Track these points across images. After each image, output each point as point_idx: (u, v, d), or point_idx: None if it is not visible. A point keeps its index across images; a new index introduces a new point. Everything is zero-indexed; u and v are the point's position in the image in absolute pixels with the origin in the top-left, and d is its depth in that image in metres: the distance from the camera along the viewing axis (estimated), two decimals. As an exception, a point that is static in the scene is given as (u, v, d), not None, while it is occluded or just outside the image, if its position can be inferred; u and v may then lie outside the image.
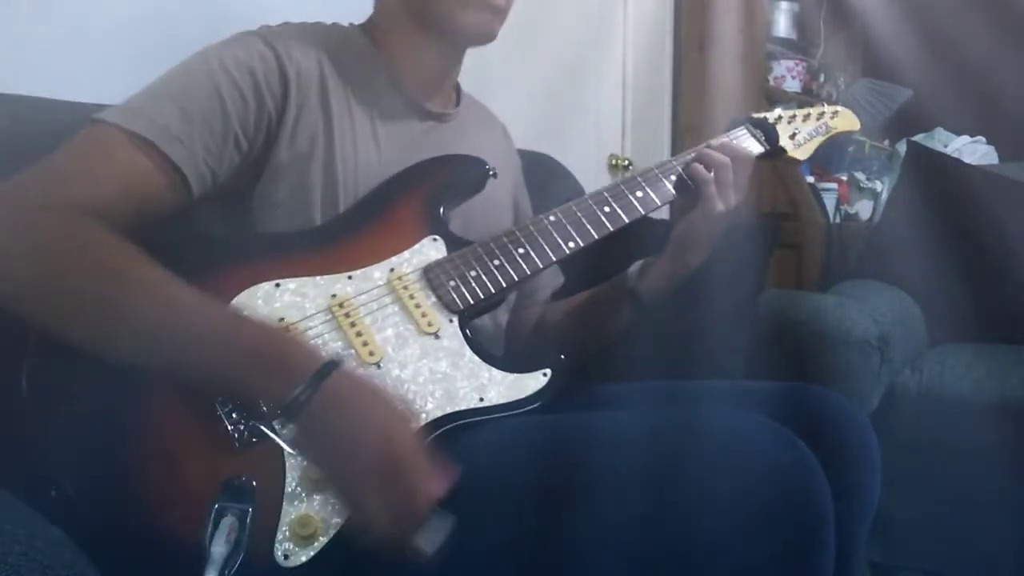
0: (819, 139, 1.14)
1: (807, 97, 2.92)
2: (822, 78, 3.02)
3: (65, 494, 0.67)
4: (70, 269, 0.71)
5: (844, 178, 2.73)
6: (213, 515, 0.66)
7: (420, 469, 0.67)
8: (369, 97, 0.95)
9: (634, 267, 1.05)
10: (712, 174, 0.97)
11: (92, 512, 0.67)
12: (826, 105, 1.19)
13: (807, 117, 1.14)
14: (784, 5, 2.89)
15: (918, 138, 2.62)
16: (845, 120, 1.18)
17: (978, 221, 1.86)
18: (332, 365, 0.69)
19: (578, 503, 0.72)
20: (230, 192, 0.87)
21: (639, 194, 0.97)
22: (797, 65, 2.88)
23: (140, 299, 0.70)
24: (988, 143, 2.74)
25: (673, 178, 1.00)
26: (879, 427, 0.94)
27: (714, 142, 1.02)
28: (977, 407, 1.54)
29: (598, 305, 1.08)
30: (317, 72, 0.91)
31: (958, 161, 2.25)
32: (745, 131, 1.08)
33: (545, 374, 0.83)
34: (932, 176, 2.01)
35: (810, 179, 2.61)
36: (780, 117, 1.12)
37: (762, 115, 1.11)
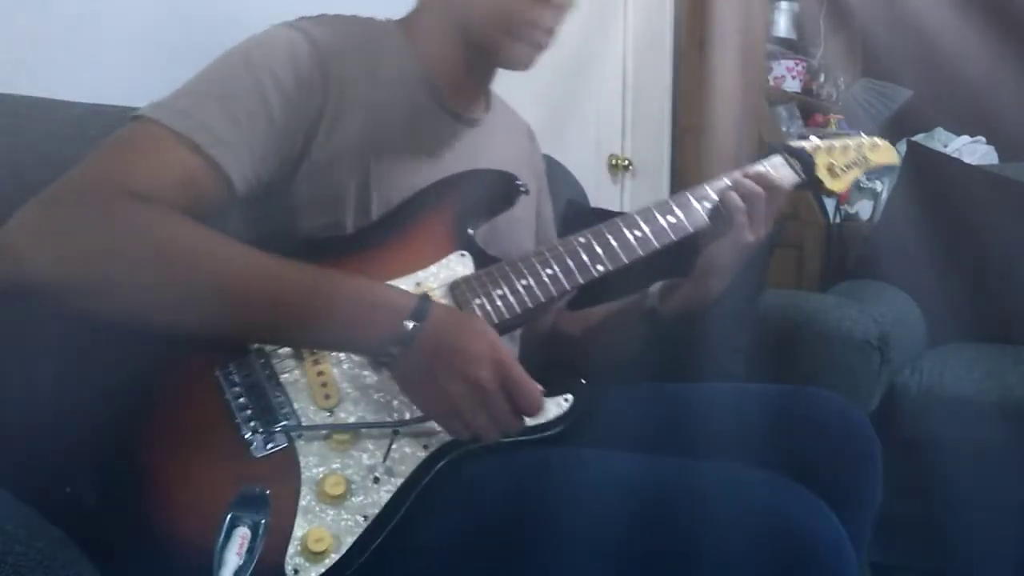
0: (856, 171, 1.11)
1: (807, 97, 2.92)
2: (822, 78, 3.03)
3: (78, 492, 0.67)
4: (163, 257, 0.71)
5: (844, 178, 2.72)
6: (226, 524, 0.65)
7: (527, 380, 0.73)
8: (404, 98, 0.93)
9: (654, 287, 1.03)
10: (745, 204, 0.96)
11: (103, 516, 0.67)
12: (864, 136, 1.16)
13: (845, 148, 1.11)
14: (784, 5, 2.89)
15: (918, 138, 2.62)
16: (884, 154, 1.16)
17: (978, 221, 1.86)
18: (428, 298, 0.75)
19: (574, 552, 0.71)
20: (266, 189, 0.85)
21: (671, 219, 0.95)
22: (797, 65, 2.88)
23: (238, 273, 0.72)
24: (988, 143, 2.74)
25: (706, 204, 0.97)
26: (879, 427, 0.93)
27: (750, 170, 0.99)
28: (977, 407, 1.54)
29: (617, 321, 1.07)
30: (356, 71, 0.89)
31: (958, 161, 2.25)
32: (782, 160, 1.04)
33: (567, 399, 0.82)
34: (932, 176, 2.01)
35: (810, 179, 2.60)
36: (818, 147, 1.08)
37: (799, 144, 1.08)
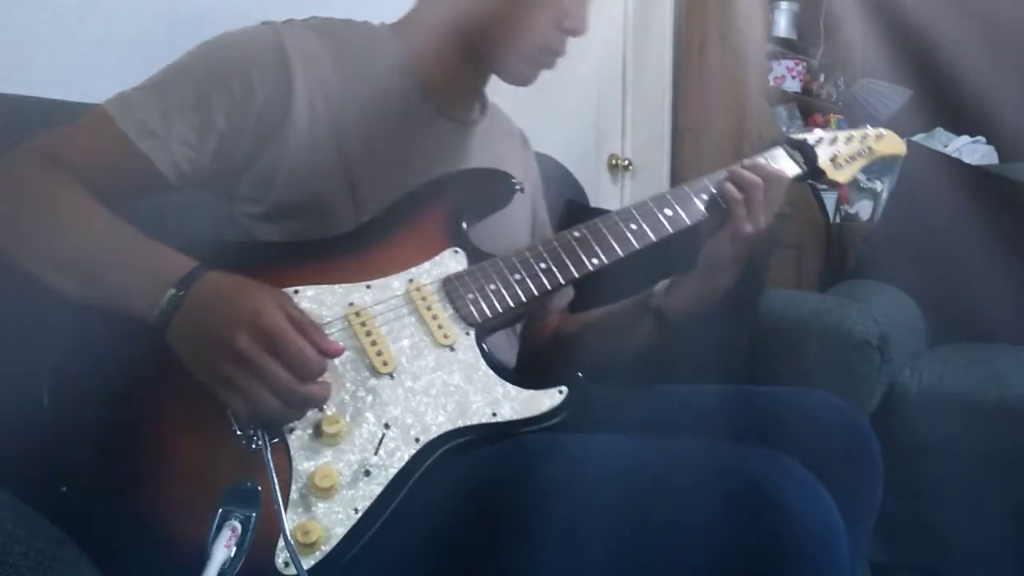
0: (861, 162, 1.10)
1: (807, 97, 2.93)
2: (822, 78, 3.03)
3: (75, 492, 0.67)
4: (22, 193, 0.78)
5: (844, 178, 2.72)
6: (217, 519, 0.66)
7: (298, 333, 0.69)
8: (395, 100, 0.94)
9: (660, 285, 1.02)
10: (742, 195, 0.95)
11: (100, 514, 0.68)
12: (869, 128, 1.15)
13: (849, 139, 1.11)
14: (784, 5, 2.89)
15: (918, 138, 2.62)
16: (889, 143, 1.14)
17: (978, 221, 1.86)
18: (202, 268, 0.73)
19: (560, 531, 0.71)
20: (248, 200, 0.88)
21: (668, 212, 0.94)
22: (797, 65, 2.88)
23: (69, 220, 0.77)
24: (988, 143, 2.74)
25: (704, 197, 0.97)
26: (879, 427, 0.93)
27: (747, 161, 0.98)
28: (977, 407, 1.54)
29: (621, 320, 1.06)
30: (338, 73, 0.90)
31: (958, 161, 2.25)
32: (782, 152, 1.04)
33: (561, 391, 0.82)
34: (932, 176, 2.01)
35: (810, 179, 2.60)
36: (821, 139, 1.08)
37: (801, 136, 1.07)
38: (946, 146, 2.72)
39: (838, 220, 2.57)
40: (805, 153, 1.05)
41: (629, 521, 0.70)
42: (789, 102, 2.82)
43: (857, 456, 0.90)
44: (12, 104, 0.94)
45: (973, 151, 2.69)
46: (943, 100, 2.72)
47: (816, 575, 0.66)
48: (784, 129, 2.72)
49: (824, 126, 2.90)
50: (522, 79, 0.96)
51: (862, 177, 2.76)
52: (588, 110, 2.43)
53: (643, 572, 0.69)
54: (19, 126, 0.92)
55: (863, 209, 2.75)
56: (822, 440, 0.89)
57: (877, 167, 2.73)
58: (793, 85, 2.87)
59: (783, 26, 2.89)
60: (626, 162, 2.57)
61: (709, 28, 2.58)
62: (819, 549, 0.67)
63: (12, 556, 0.53)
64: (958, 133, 2.78)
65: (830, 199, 2.60)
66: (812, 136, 1.07)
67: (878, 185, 2.74)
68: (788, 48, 2.90)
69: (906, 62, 2.76)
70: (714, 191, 0.97)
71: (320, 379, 0.71)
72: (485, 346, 0.84)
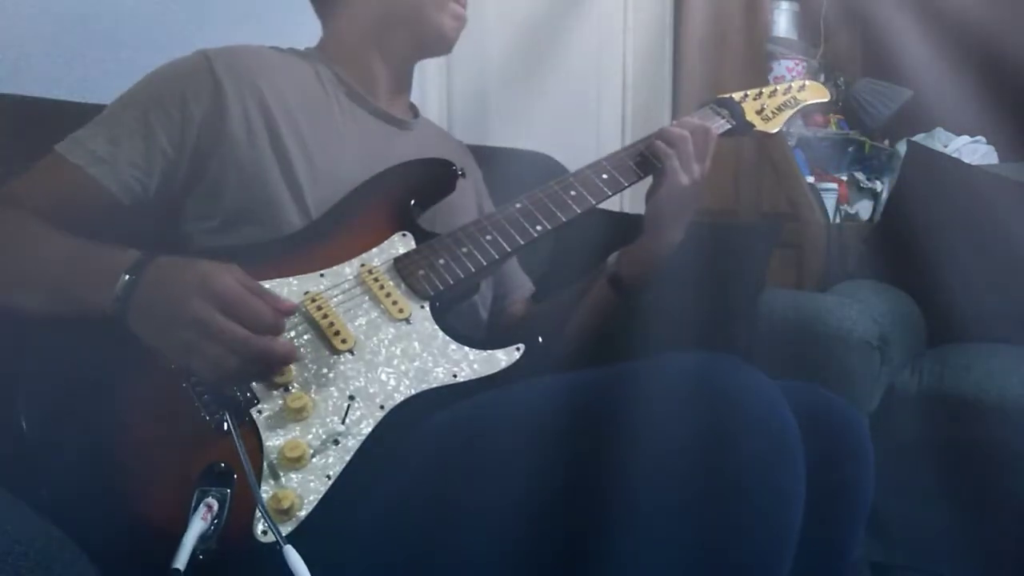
0: (788, 112, 1.17)
1: (807, 97, 2.91)
2: (822, 78, 3.02)
3: (57, 494, 0.69)
4: None
5: (844, 178, 2.73)
6: (195, 499, 0.69)
7: (245, 295, 0.73)
8: (328, 105, 1.00)
9: (612, 256, 1.07)
10: (673, 149, 1.00)
11: (83, 509, 0.69)
12: (794, 81, 1.22)
13: (773, 93, 1.18)
14: (784, 5, 2.88)
15: (918, 138, 2.62)
16: (813, 92, 1.21)
17: (978, 221, 1.86)
18: (152, 254, 0.78)
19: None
20: (201, 217, 0.92)
21: (604, 176, 1.00)
22: (797, 65, 2.88)
23: (26, 245, 0.82)
24: (988, 143, 2.74)
25: (638, 158, 1.03)
26: (879, 427, 0.93)
27: (675, 121, 1.05)
28: (977, 407, 1.54)
29: (579, 295, 1.10)
30: (269, 88, 0.95)
31: (958, 161, 2.25)
32: (710, 110, 1.11)
33: (518, 348, 0.85)
34: (932, 176, 2.01)
35: (810, 179, 2.60)
36: (746, 95, 1.15)
37: (726, 95, 1.14)
38: (946, 146, 2.71)
39: (838, 220, 2.57)
40: (732, 109, 1.12)
41: (584, 439, 0.71)
42: (789, 102, 2.81)
43: (849, 449, 0.90)
44: (12, 104, 0.94)
45: (973, 151, 2.69)
46: (943, 100, 2.71)
47: (766, 454, 0.70)
48: (785, 129, 2.71)
49: (824, 126, 2.90)
50: (447, 36, 1.04)
51: (862, 177, 2.76)
52: (588, 110, 2.43)
53: (603, 483, 0.70)
54: (19, 126, 0.93)
55: (863, 209, 2.75)
56: (813, 433, 0.89)
57: (877, 165, 2.74)
58: (793, 85, 2.86)
59: (783, 26, 2.89)
60: (626, 162, 2.57)
61: (709, 28, 2.58)
62: (768, 429, 0.71)
63: (12, 556, 0.53)
64: (958, 133, 2.78)
65: (830, 199, 2.59)
66: (737, 95, 1.15)
67: (878, 185, 2.74)
68: (788, 48, 2.89)
69: (906, 62, 2.76)
70: (645, 151, 1.03)
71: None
72: (441, 316, 0.87)
